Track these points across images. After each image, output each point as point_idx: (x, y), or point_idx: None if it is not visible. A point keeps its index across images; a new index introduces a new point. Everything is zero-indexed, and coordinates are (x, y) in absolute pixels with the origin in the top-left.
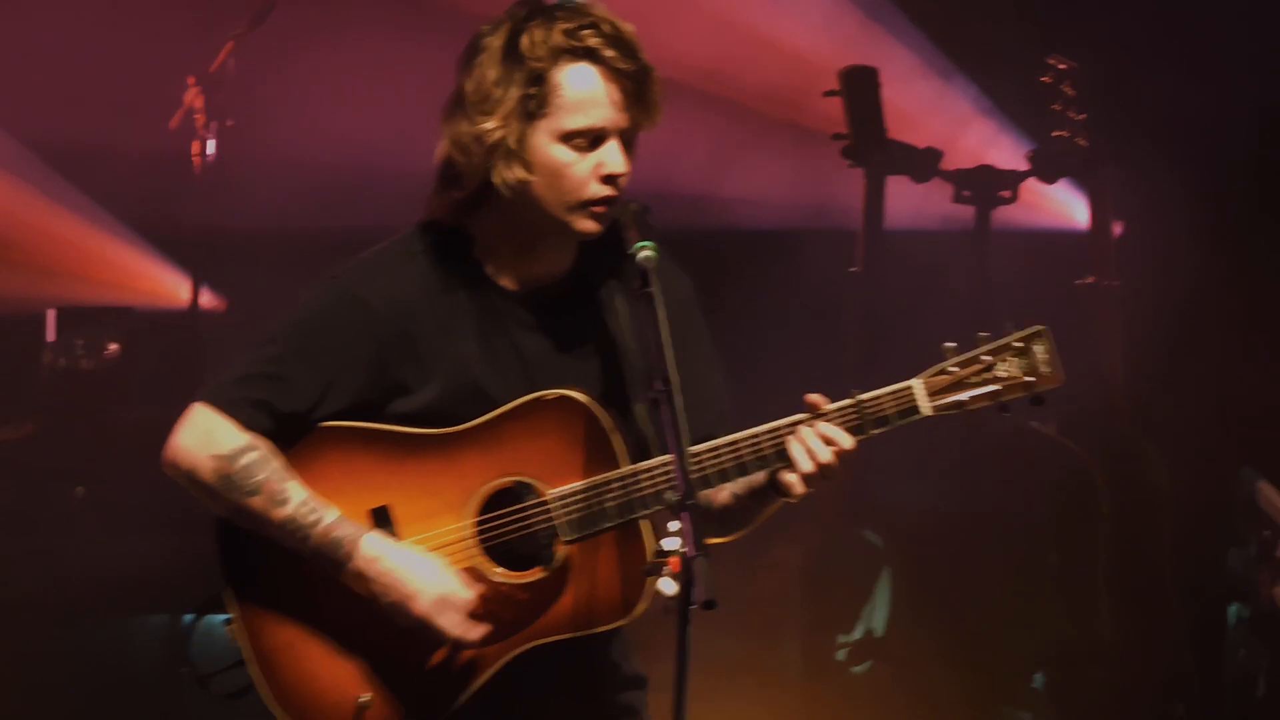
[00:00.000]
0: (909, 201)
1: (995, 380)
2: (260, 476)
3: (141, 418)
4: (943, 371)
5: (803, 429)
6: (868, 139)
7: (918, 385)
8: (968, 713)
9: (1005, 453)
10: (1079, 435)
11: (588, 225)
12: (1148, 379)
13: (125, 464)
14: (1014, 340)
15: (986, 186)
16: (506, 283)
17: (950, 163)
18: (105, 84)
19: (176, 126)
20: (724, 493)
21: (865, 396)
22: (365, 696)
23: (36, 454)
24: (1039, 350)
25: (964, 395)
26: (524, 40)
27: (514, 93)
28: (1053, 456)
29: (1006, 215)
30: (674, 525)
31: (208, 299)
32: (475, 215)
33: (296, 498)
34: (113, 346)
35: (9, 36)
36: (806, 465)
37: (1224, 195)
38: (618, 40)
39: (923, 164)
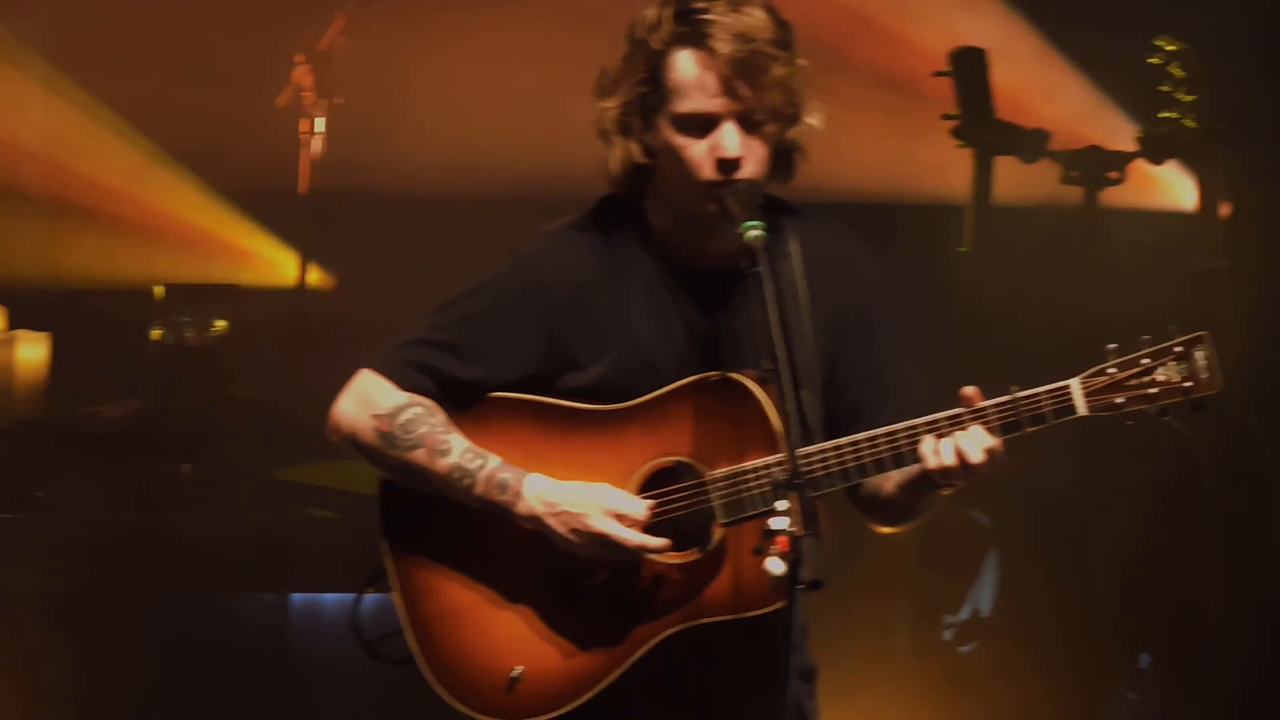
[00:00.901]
0: (1017, 182)
1: (1154, 384)
2: (421, 430)
3: (248, 395)
4: (1102, 372)
5: (943, 441)
6: (977, 119)
7: (1075, 385)
8: (1074, 692)
9: (1112, 433)
10: (1187, 416)
11: (715, 210)
12: (1256, 360)
13: (232, 441)
14: (1175, 345)
15: (1094, 167)
16: (681, 260)
17: (1058, 143)
18: (215, 62)
19: (285, 104)
20: (889, 483)
21: (1022, 394)
22: (518, 669)
23: (143, 431)
24: (1199, 356)
25: (1121, 398)
26: (643, 23)
27: (632, 76)
28: (1160, 437)
29: (1114, 196)
30: (782, 505)
31: (316, 277)
32: (649, 193)
33: (459, 447)
34: (220, 324)
35: (119, 16)
36: (939, 463)
37: None
38: (729, 24)
39: (1031, 144)
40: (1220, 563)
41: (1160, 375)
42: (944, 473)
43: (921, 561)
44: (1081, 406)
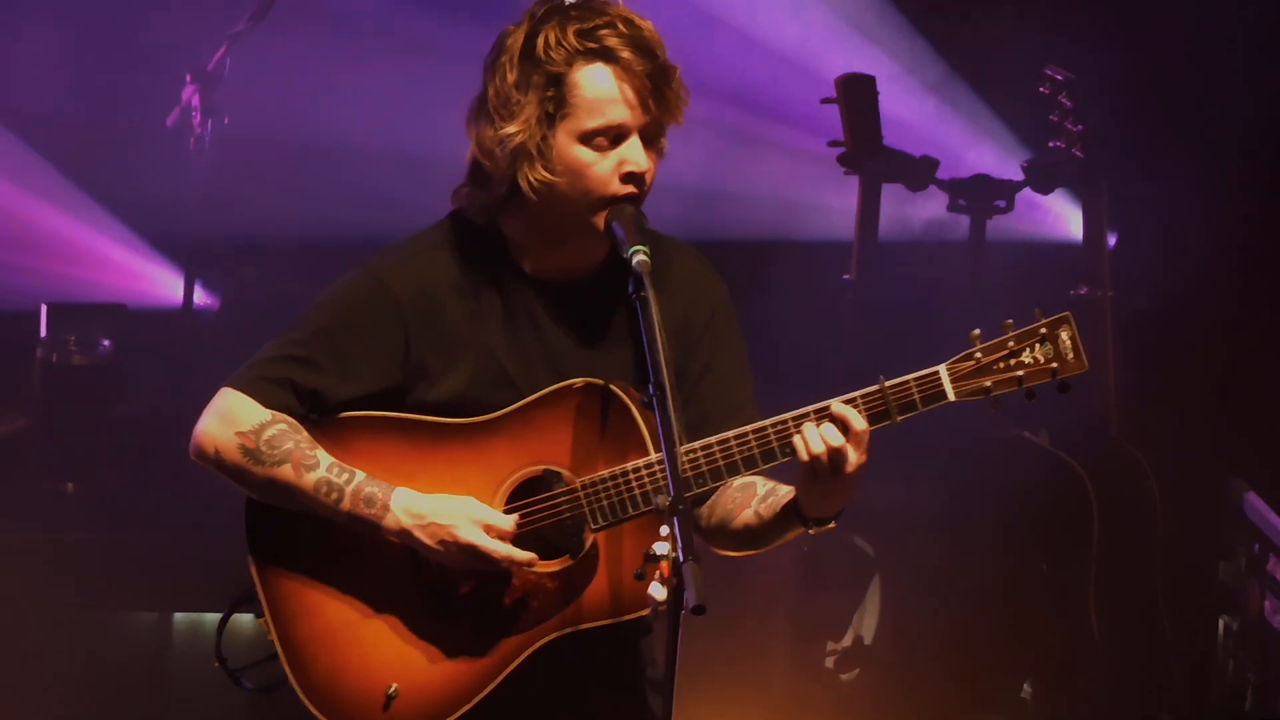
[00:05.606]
0: (904, 210)
1: (1020, 366)
2: (287, 446)
3: (133, 415)
4: (969, 357)
5: (806, 424)
6: (864, 147)
7: (943, 370)
8: None
9: (996, 462)
10: (1070, 446)
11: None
12: (1139, 390)
13: (116, 461)
14: (1039, 327)
15: (982, 196)
16: (535, 272)
17: (946, 171)
18: (102, 80)
19: (173, 124)
20: (748, 511)
21: (890, 383)
22: (393, 686)
23: (28, 449)
24: (1064, 337)
25: (989, 381)
26: (540, 42)
27: (533, 96)
28: (1044, 466)
29: (1001, 225)
30: (664, 530)
31: (201, 298)
32: (506, 209)
33: (325, 462)
34: (105, 343)
35: (7, 29)
36: (808, 451)
37: (1217, 208)
38: (634, 38)
39: (918, 172)
40: (1103, 594)
41: (1026, 358)
42: (816, 463)
43: (803, 587)
44: (951, 392)
